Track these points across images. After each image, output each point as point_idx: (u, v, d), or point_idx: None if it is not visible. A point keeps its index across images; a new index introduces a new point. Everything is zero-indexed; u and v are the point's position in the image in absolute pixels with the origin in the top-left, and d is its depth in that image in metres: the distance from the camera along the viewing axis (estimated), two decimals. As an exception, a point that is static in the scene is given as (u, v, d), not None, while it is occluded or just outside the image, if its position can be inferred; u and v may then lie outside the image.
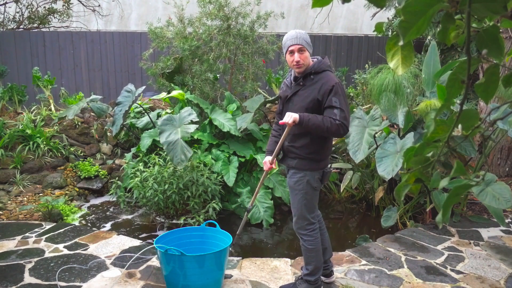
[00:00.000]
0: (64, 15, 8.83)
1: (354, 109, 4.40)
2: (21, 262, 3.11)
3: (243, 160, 4.63)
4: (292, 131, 2.51)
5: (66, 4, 8.68)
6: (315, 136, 2.49)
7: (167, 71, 5.57)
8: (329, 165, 2.67)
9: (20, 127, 5.22)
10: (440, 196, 3.71)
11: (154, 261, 3.14)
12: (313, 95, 2.45)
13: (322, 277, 2.79)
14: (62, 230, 3.77)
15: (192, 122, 4.12)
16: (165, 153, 4.31)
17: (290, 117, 2.37)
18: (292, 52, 2.48)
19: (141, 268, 3.04)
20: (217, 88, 5.54)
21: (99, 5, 9.21)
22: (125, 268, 3.01)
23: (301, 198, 2.55)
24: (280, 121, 2.45)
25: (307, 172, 2.52)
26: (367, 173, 4.66)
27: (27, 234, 3.65)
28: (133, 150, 4.99)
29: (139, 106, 5.32)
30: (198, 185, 4.16)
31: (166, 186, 4.07)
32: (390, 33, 7.56)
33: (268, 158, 2.65)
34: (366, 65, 6.12)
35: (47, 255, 3.25)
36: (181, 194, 4.14)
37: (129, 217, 4.54)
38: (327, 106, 2.41)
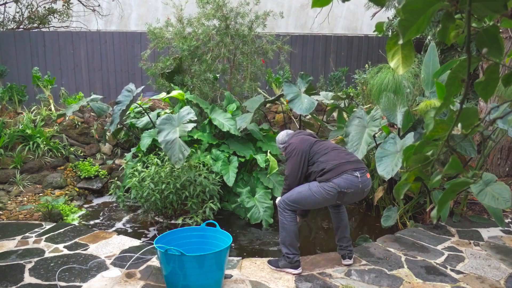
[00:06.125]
0: (64, 15, 8.82)
1: (354, 109, 4.38)
2: (21, 262, 3.11)
3: (243, 160, 4.63)
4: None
5: (66, 4, 8.68)
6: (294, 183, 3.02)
7: (167, 71, 5.57)
8: (347, 189, 2.82)
9: (20, 127, 5.21)
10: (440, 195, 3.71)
11: (154, 261, 3.14)
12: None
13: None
14: (62, 230, 3.76)
15: (190, 121, 4.11)
16: (163, 152, 4.31)
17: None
18: None
19: (141, 268, 3.04)
20: (217, 88, 5.54)
21: (99, 5, 9.21)
22: (125, 268, 3.01)
23: (305, 186, 2.95)
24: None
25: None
26: (367, 173, 4.65)
27: (27, 234, 3.65)
28: (133, 150, 4.99)
29: (139, 106, 5.32)
30: (196, 185, 4.16)
31: (163, 186, 4.06)
32: (390, 33, 7.56)
33: None
34: (366, 65, 6.12)
35: (47, 255, 3.25)
36: (179, 194, 4.14)
37: (129, 217, 4.53)
38: None
